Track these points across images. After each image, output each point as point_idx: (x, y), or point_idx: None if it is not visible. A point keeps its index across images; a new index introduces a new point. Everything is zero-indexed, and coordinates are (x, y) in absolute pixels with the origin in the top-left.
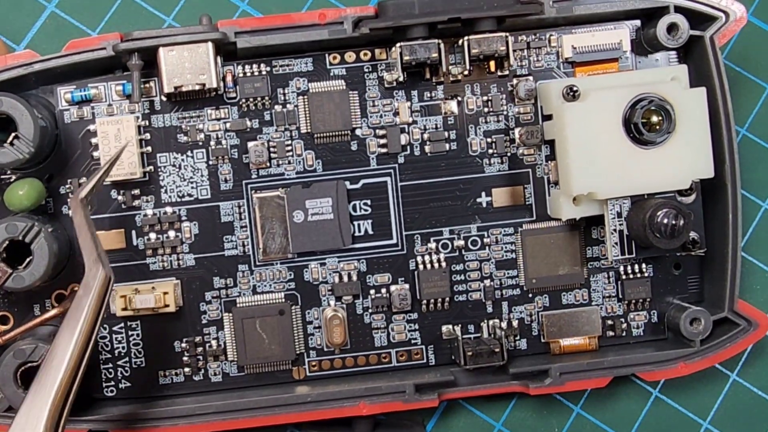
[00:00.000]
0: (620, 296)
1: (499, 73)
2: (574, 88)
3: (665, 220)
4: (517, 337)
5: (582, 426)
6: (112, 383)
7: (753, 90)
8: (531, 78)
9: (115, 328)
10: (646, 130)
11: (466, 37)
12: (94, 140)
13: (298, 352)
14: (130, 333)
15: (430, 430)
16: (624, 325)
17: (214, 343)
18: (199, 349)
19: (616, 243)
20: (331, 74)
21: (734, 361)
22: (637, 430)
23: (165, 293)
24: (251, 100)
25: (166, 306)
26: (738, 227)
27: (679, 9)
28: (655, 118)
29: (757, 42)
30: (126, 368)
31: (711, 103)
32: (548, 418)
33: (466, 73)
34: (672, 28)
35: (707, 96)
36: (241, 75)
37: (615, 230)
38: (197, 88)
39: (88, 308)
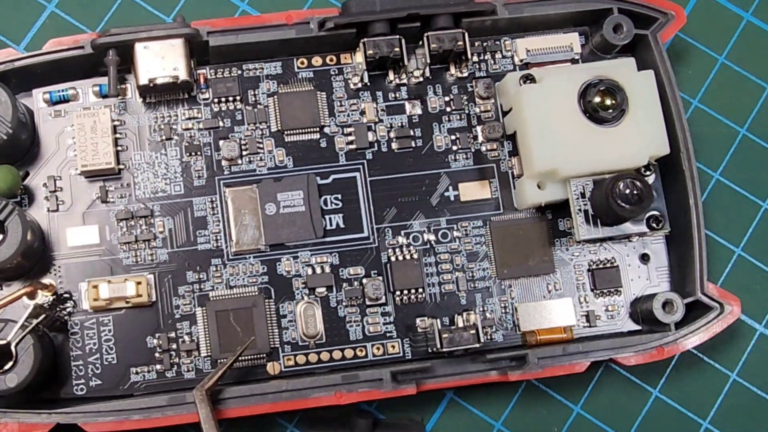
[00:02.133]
0: (592, 287)
1: (459, 75)
2: (530, 76)
3: (627, 190)
4: (493, 328)
5: (582, 426)
6: (83, 381)
7: (753, 90)
8: (489, 79)
9: (86, 324)
10: (601, 109)
11: (425, 34)
12: (70, 141)
13: (272, 346)
14: (101, 329)
15: (429, 430)
16: (598, 315)
17: (187, 338)
18: (173, 345)
19: (582, 222)
20: (299, 77)
21: (734, 361)
22: (637, 429)
23: (138, 283)
24: (223, 100)
25: (139, 296)
26: (699, 208)
27: (622, 11)
28: (609, 101)
29: (757, 42)
30: (97, 365)
31: (661, 93)
32: (548, 417)
33: (427, 73)
34: (618, 28)
35: (658, 88)
36: (213, 77)
37: (580, 210)
38: (170, 80)
39: None
